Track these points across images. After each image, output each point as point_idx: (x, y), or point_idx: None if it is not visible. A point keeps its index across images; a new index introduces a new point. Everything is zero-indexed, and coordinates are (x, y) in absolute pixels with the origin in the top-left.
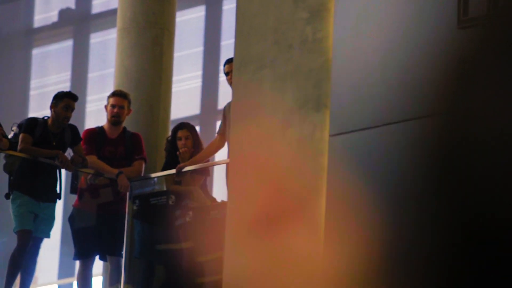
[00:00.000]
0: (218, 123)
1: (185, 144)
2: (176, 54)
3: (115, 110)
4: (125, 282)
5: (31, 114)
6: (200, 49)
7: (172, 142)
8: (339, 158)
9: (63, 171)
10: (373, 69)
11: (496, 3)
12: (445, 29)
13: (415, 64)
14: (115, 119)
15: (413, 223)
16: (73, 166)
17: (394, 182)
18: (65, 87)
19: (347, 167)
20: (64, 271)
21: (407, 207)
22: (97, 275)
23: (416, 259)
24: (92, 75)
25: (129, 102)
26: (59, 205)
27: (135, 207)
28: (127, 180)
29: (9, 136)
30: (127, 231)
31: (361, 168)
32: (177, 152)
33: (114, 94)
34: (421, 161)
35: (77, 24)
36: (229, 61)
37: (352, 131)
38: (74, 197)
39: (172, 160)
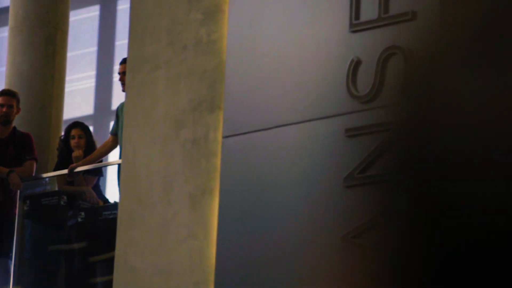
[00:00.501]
0: (111, 123)
1: (78, 142)
2: (70, 54)
3: (4, 109)
4: (14, 284)
5: None
6: (94, 49)
7: (65, 141)
8: (232, 159)
9: None
10: (267, 71)
11: (386, 7)
12: (337, 32)
13: (308, 66)
14: (3, 118)
15: (306, 222)
16: None
17: (286, 183)
18: None
19: (240, 168)
20: None
21: (298, 208)
22: None
23: (302, 259)
24: None
25: (18, 101)
26: None
27: (25, 208)
28: (19, 178)
29: None
30: (17, 232)
31: (253, 169)
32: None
33: (1, 94)
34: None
35: None
36: (124, 61)
37: (246, 133)
38: None
39: (64, 160)
